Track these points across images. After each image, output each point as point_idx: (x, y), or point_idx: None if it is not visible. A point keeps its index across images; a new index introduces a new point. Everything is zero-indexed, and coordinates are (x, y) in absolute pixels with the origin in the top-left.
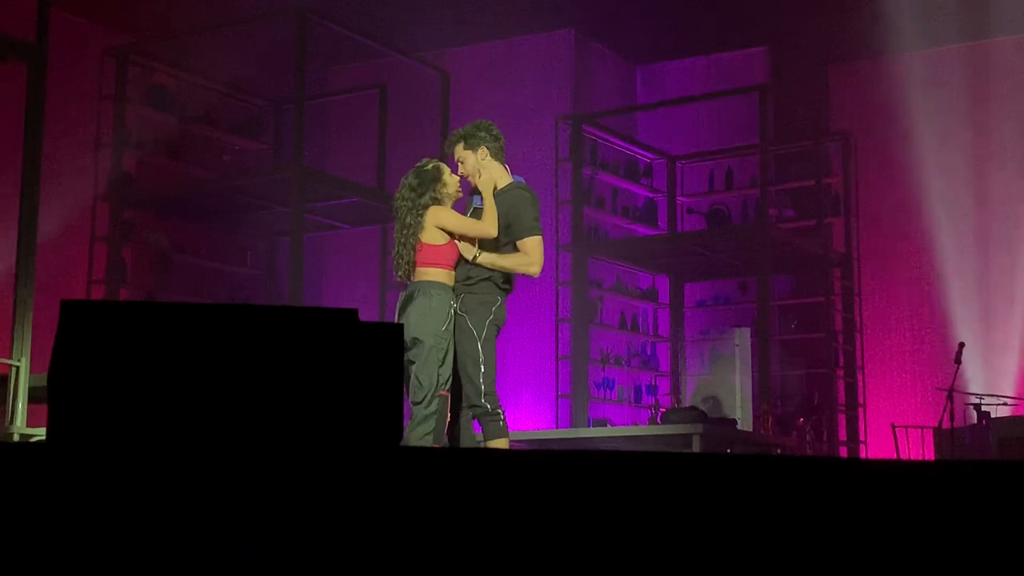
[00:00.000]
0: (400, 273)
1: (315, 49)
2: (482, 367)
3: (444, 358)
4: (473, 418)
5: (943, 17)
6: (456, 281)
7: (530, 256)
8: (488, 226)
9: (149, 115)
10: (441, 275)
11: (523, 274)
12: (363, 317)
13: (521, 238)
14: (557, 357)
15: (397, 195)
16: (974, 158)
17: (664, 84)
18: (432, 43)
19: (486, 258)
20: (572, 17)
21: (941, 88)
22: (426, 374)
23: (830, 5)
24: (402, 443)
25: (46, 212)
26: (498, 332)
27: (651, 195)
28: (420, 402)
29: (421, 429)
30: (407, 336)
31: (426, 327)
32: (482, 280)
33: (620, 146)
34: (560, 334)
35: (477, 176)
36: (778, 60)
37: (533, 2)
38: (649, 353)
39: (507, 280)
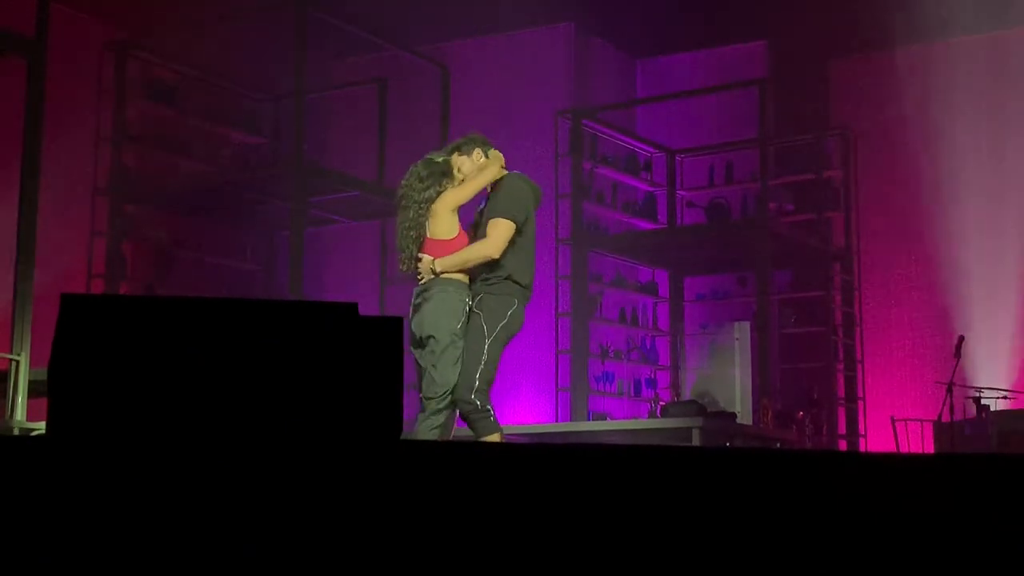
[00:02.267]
0: (403, 267)
1: (314, 43)
2: (482, 365)
3: (459, 356)
4: (459, 414)
5: (944, 11)
6: (475, 279)
7: (489, 238)
8: (492, 170)
9: (148, 109)
10: (457, 272)
11: (482, 260)
12: (363, 311)
13: (491, 218)
14: (557, 351)
15: (404, 183)
16: (974, 152)
17: (664, 78)
18: (432, 37)
19: (444, 263)
20: (572, 11)
21: (942, 82)
22: (441, 372)
23: None
24: (411, 435)
25: (45, 206)
26: (509, 338)
27: (651, 189)
28: (434, 397)
29: (433, 421)
30: (422, 333)
31: (442, 324)
32: (502, 280)
33: (620, 140)
34: (560, 328)
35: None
36: (778, 54)
37: None
38: (649, 347)
39: (522, 277)
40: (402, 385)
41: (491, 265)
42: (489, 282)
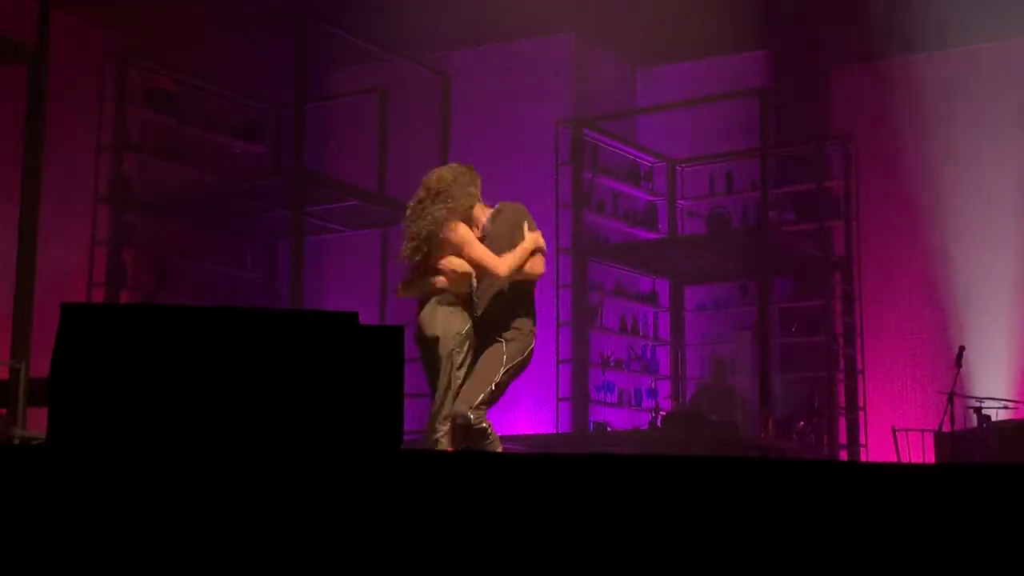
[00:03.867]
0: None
1: (315, 52)
2: (492, 387)
3: (464, 361)
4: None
5: (944, 20)
6: (515, 308)
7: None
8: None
9: (149, 118)
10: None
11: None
12: (364, 320)
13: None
14: (557, 360)
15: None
16: (974, 161)
17: (665, 87)
18: (432, 46)
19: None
20: (573, 20)
21: (942, 91)
22: (445, 374)
23: (831, 8)
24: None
25: (46, 215)
26: (519, 372)
27: (651, 198)
28: (440, 401)
29: (443, 427)
30: (430, 334)
31: (450, 331)
32: (529, 315)
33: (621, 150)
34: (560, 337)
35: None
36: (779, 63)
37: (533, 5)
38: (649, 356)
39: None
40: (403, 394)
41: (526, 300)
42: (519, 315)
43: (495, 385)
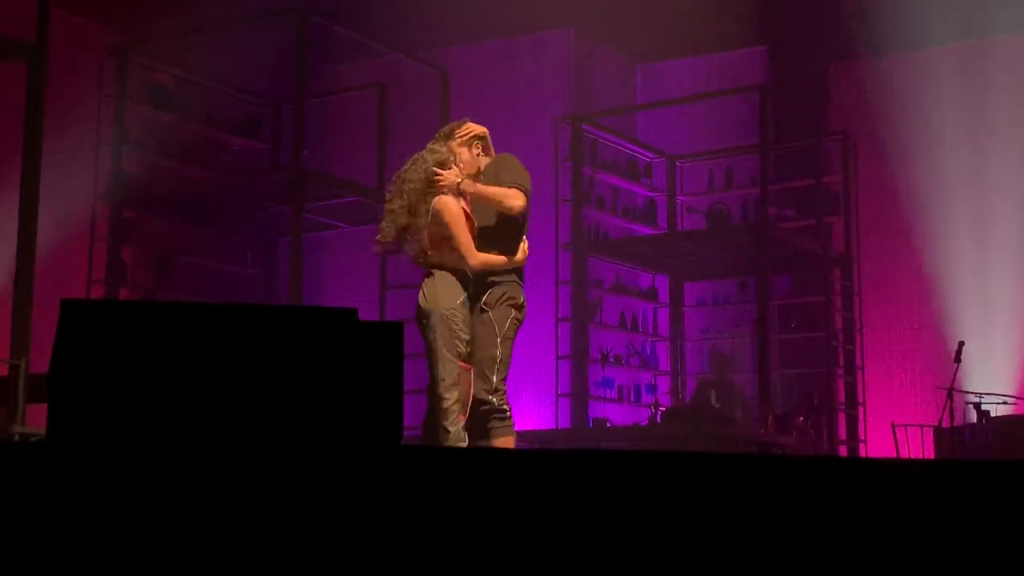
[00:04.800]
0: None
1: (314, 48)
2: (497, 363)
3: (458, 332)
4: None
5: (943, 16)
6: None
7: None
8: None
9: (149, 114)
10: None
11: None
12: (363, 317)
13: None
14: (557, 356)
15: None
16: (973, 157)
17: (664, 83)
18: (432, 42)
19: (473, 187)
20: (572, 16)
21: (941, 87)
22: (439, 353)
23: (830, 4)
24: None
25: (46, 211)
26: (517, 329)
27: (651, 194)
28: (440, 379)
29: (450, 396)
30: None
31: (441, 301)
32: (506, 273)
33: (620, 145)
34: (560, 333)
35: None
36: (779, 59)
37: (533, 1)
38: (649, 352)
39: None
40: (402, 390)
41: (508, 249)
42: (494, 274)
43: (499, 360)
